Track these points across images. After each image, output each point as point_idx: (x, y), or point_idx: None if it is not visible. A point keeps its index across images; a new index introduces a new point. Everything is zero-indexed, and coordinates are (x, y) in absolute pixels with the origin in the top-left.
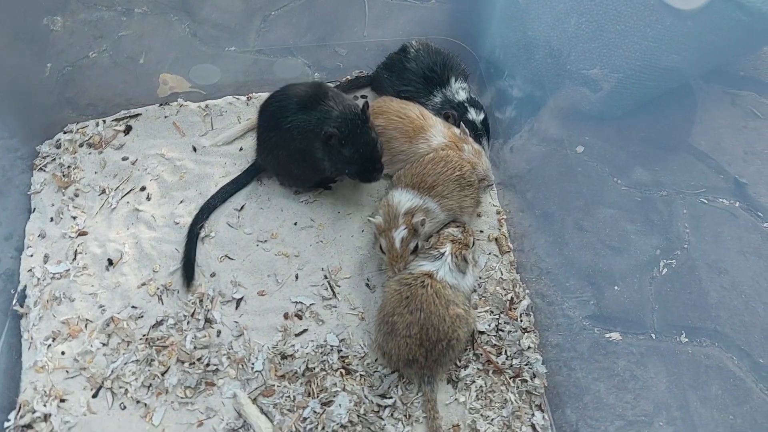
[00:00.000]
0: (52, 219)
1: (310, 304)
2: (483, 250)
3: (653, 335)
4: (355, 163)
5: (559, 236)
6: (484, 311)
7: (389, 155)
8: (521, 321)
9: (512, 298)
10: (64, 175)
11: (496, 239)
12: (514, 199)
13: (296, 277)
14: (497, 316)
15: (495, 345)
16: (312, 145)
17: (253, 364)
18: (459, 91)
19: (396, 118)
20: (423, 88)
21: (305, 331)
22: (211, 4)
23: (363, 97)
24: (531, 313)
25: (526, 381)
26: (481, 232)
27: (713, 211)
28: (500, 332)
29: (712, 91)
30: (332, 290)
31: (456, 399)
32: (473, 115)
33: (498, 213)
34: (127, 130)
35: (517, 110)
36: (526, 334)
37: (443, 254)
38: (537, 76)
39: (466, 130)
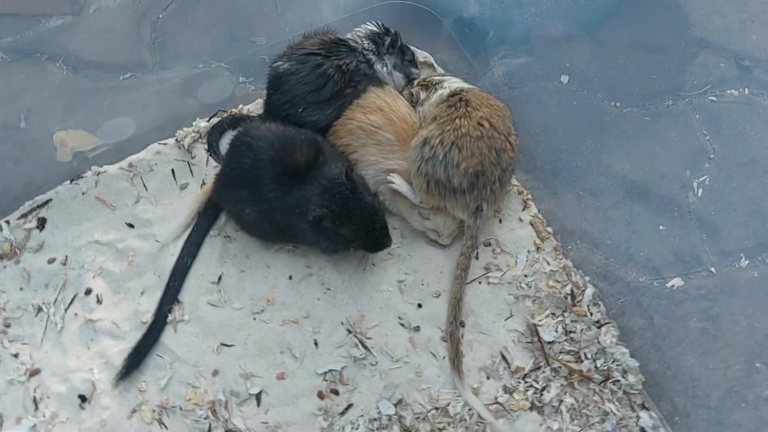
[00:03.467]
0: None
1: (342, 368)
2: (519, 243)
3: (712, 269)
4: (359, 239)
5: (585, 196)
6: (545, 316)
7: (380, 153)
8: (591, 314)
9: (572, 290)
10: None
11: (530, 224)
12: (524, 166)
13: (315, 343)
14: (561, 317)
15: (570, 351)
16: (298, 224)
17: None
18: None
19: (396, 119)
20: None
21: (350, 406)
22: (83, 28)
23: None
24: (599, 301)
25: (619, 381)
26: (500, 222)
27: (727, 107)
28: (571, 334)
29: None
30: (363, 345)
31: (548, 428)
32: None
33: (520, 193)
34: (41, 224)
35: (495, 60)
36: (603, 328)
37: None
38: (501, 13)
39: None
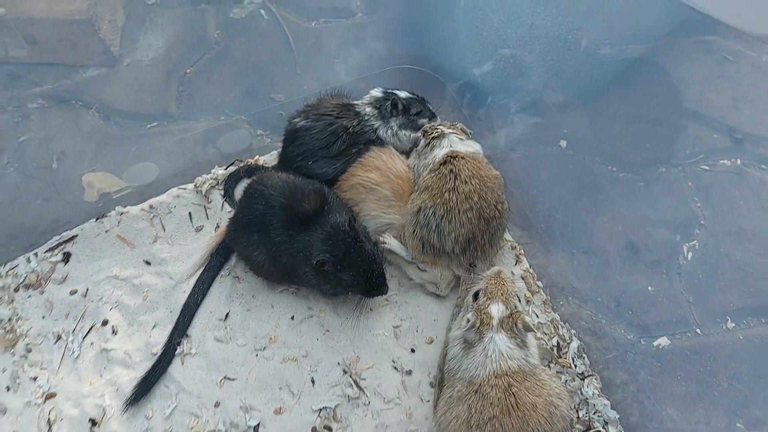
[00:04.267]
0: (8, 388)
1: (336, 406)
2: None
3: (698, 330)
4: (358, 284)
5: (576, 250)
6: None
7: (380, 208)
8: (576, 366)
9: (558, 342)
10: (7, 331)
11: (522, 278)
12: (518, 223)
13: (312, 381)
14: (547, 367)
15: None
16: (302, 267)
17: None
18: (366, 105)
19: (393, 177)
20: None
21: None
22: (116, 80)
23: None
24: (584, 354)
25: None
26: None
27: (718, 176)
28: None
29: (685, 44)
30: (357, 386)
31: None
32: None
33: (513, 248)
34: (66, 258)
35: (497, 124)
36: (586, 379)
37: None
38: (504, 81)
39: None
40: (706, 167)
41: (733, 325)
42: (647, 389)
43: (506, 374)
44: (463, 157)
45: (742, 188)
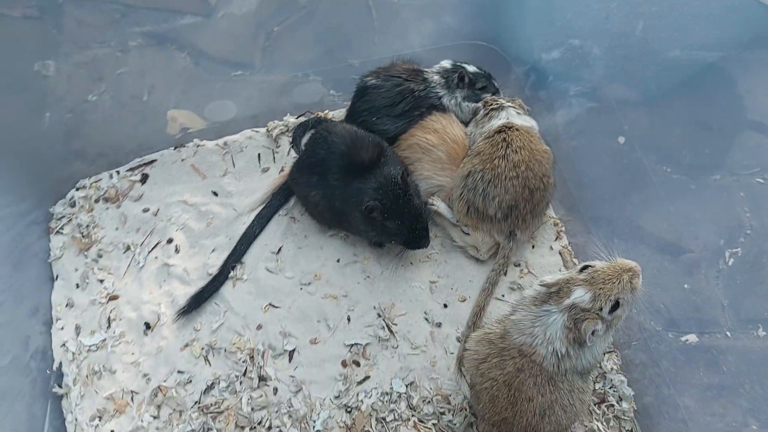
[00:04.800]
0: (77, 285)
1: (366, 344)
2: (545, 268)
3: (728, 333)
4: (401, 234)
5: (619, 242)
6: None
7: (433, 169)
8: None
9: None
10: (83, 236)
11: (559, 253)
12: (564, 204)
13: (348, 319)
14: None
15: None
16: (353, 212)
17: (314, 422)
18: (435, 73)
19: (449, 140)
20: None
21: (367, 378)
22: (210, 28)
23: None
24: None
25: (613, 406)
26: (533, 247)
27: None
28: None
29: (755, 59)
30: (389, 329)
31: None
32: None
33: (555, 225)
34: (144, 179)
35: (557, 109)
36: (606, 354)
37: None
38: (570, 70)
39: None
40: (761, 180)
41: (765, 333)
42: (667, 376)
43: (530, 357)
44: (517, 129)
45: None
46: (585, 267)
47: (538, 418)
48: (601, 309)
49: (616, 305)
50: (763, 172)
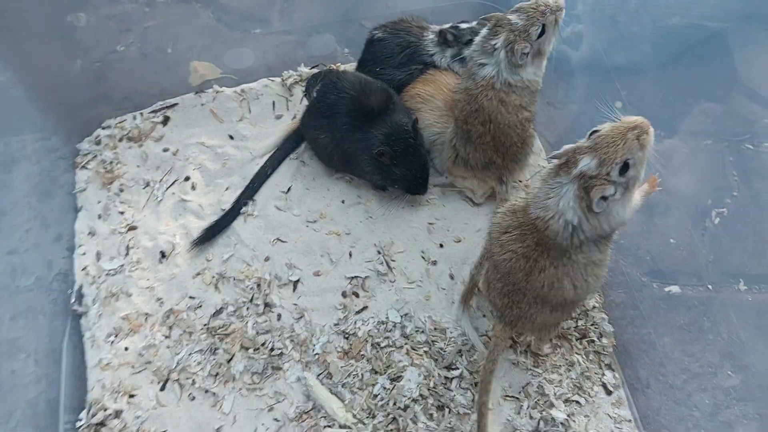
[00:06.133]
0: (99, 216)
1: (366, 277)
2: None
3: (710, 286)
4: (405, 180)
5: None
6: None
7: (432, 118)
8: None
9: None
10: (107, 171)
11: None
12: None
13: (350, 254)
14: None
15: None
16: (361, 155)
17: (314, 345)
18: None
19: (446, 90)
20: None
21: (365, 308)
22: None
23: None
24: None
25: (594, 341)
26: (526, 187)
27: (760, 155)
28: None
29: (753, 32)
30: (387, 265)
31: (520, 362)
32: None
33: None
34: (165, 121)
35: (553, 71)
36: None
37: (495, 48)
38: (571, 34)
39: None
40: (750, 146)
41: (745, 287)
42: (648, 317)
43: (544, 233)
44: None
45: None
46: (593, 132)
47: (547, 289)
48: (609, 174)
49: (626, 167)
50: (753, 138)
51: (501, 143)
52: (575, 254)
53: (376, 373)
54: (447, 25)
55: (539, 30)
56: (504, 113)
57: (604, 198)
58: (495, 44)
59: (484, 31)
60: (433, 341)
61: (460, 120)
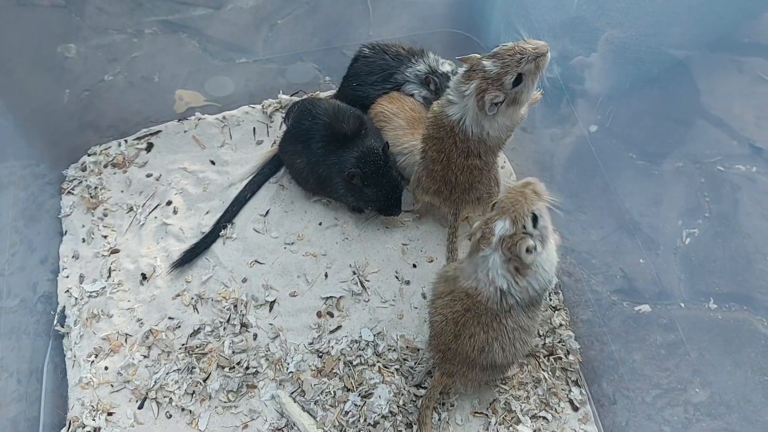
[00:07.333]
0: (84, 240)
1: (340, 297)
2: None
3: (682, 304)
4: (377, 201)
5: (581, 215)
6: None
7: (395, 137)
8: (550, 300)
9: None
10: (91, 197)
11: None
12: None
13: (326, 275)
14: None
15: None
16: (335, 178)
17: (288, 364)
18: (444, 63)
19: (408, 109)
20: (394, 65)
21: (339, 327)
22: (218, 19)
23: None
24: (559, 291)
25: (561, 358)
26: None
27: (731, 177)
28: None
29: (718, 60)
30: (362, 285)
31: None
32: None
33: None
34: (149, 147)
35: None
36: (556, 312)
37: (465, 94)
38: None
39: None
40: (722, 168)
41: (716, 306)
42: (616, 334)
43: (475, 299)
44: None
45: (750, 192)
46: (494, 205)
47: (477, 352)
48: (524, 227)
49: (535, 218)
50: (723, 161)
51: (448, 179)
52: (505, 318)
53: (348, 390)
54: (448, 66)
55: (513, 79)
56: (454, 156)
57: (528, 250)
58: (465, 91)
59: (460, 71)
60: (404, 359)
61: (424, 136)
